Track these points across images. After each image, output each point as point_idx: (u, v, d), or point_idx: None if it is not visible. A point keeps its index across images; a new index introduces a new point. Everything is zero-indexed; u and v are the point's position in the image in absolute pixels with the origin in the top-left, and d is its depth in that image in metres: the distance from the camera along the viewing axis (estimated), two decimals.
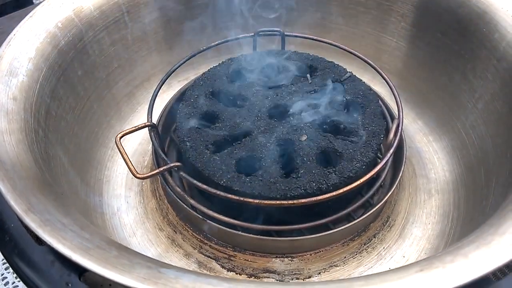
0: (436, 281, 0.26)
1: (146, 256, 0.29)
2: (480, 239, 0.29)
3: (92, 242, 0.29)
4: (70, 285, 0.30)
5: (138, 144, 0.58)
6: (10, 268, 0.65)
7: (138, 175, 0.40)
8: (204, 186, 0.41)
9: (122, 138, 0.43)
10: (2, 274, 0.71)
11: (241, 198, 0.40)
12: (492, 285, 0.30)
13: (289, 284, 0.31)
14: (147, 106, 0.59)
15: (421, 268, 0.27)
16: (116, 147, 0.56)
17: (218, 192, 0.41)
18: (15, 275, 0.70)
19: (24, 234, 0.33)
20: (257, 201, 0.40)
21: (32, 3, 1.89)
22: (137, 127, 0.45)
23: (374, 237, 0.49)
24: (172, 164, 0.42)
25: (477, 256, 0.27)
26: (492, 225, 0.30)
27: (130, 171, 0.41)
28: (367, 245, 0.48)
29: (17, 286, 0.70)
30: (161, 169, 0.41)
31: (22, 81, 0.41)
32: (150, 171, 0.42)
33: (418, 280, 0.26)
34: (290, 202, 0.40)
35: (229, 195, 0.40)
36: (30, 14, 0.46)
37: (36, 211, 0.30)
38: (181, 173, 0.43)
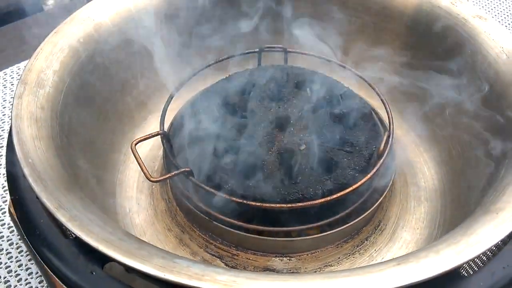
0: (410, 272, 0.30)
1: (161, 249, 0.34)
2: (451, 239, 0.33)
3: (115, 235, 0.34)
4: (94, 273, 0.35)
5: (149, 150, 0.63)
6: (23, 266, 0.70)
7: (151, 179, 0.45)
8: (212, 190, 0.46)
9: (133, 146, 0.48)
10: (15, 272, 0.75)
11: (245, 201, 0.45)
12: (464, 280, 0.34)
13: (284, 275, 0.36)
14: (157, 115, 0.64)
15: (398, 262, 0.32)
16: (129, 153, 0.62)
17: (224, 195, 0.46)
18: (27, 272, 0.74)
19: (52, 229, 0.38)
20: (259, 204, 0.45)
21: (42, 9, 1.95)
22: (151, 135, 0.49)
23: (366, 240, 0.53)
24: (182, 169, 0.47)
25: (447, 252, 0.32)
26: (463, 227, 0.35)
27: (145, 174, 0.46)
28: (360, 247, 0.53)
29: (30, 282, 0.74)
30: (173, 173, 0.46)
31: (49, 92, 0.46)
32: (161, 176, 0.47)
33: (395, 271, 0.30)
34: (289, 205, 0.45)
35: (234, 198, 0.45)
36: (55, 30, 0.51)
37: (66, 208, 0.35)
38: (190, 177, 0.48)
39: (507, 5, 1.15)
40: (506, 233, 0.33)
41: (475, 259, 0.36)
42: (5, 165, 0.43)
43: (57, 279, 0.35)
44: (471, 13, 0.54)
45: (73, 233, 0.36)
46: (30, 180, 0.36)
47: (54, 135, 0.44)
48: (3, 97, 1.02)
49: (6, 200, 0.80)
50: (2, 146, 0.90)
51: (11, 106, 0.99)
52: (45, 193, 0.35)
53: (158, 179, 0.46)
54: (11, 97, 1.01)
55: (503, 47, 0.50)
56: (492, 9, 1.15)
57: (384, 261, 0.32)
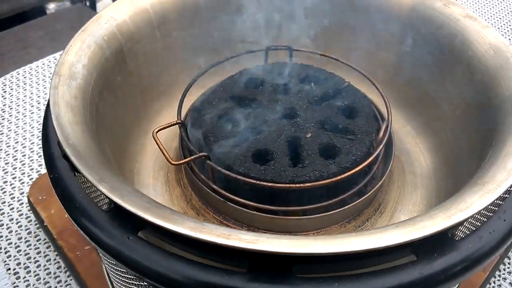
0: (407, 232, 0.36)
1: (190, 217, 0.39)
2: (443, 207, 0.39)
3: (151, 204, 0.39)
4: (130, 238, 0.40)
5: (163, 141, 0.68)
6: (41, 253, 0.74)
7: (173, 162, 0.51)
8: (227, 172, 0.51)
9: (155, 133, 0.54)
10: (34, 258, 0.79)
11: (257, 182, 0.51)
12: (456, 242, 0.40)
13: (299, 236, 0.40)
14: (170, 109, 0.70)
15: (397, 225, 0.37)
16: (145, 144, 0.67)
17: (239, 177, 0.51)
18: (46, 258, 0.79)
19: (90, 201, 0.43)
20: (270, 184, 0.51)
21: (45, 13, 2.00)
22: (170, 124, 0.55)
23: (367, 221, 0.59)
24: (201, 154, 0.52)
25: (439, 216, 0.37)
26: (453, 198, 0.41)
27: (166, 159, 0.51)
28: (361, 227, 0.58)
29: (48, 268, 0.78)
30: (193, 157, 0.52)
31: (79, 84, 0.51)
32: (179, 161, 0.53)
33: (394, 231, 0.36)
34: (297, 185, 0.51)
35: (247, 179, 0.51)
36: (82, 28, 0.57)
37: (106, 181, 0.40)
38: (207, 161, 0.53)
39: (498, 9, 1.23)
40: (490, 201, 0.38)
41: (466, 227, 0.41)
42: (42, 148, 0.48)
43: (97, 246, 0.41)
44: (461, 13, 0.60)
45: (112, 203, 0.41)
46: (73, 158, 0.41)
47: (87, 122, 0.49)
48: (15, 98, 1.07)
49: (23, 192, 0.85)
50: (18, 142, 0.95)
51: (19, 106, 1.04)
52: (87, 169, 0.40)
53: (179, 163, 0.51)
54: (24, 97, 1.06)
55: (491, 44, 0.56)
56: (485, 12, 1.23)
57: (385, 226, 0.38)
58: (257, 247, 0.35)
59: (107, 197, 0.39)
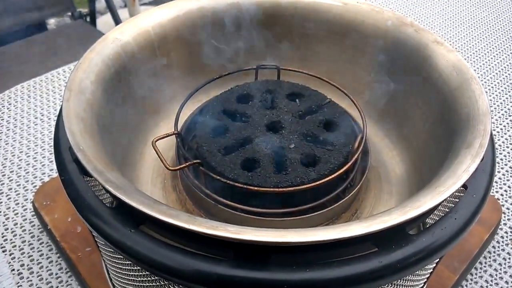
0: (369, 225, 0.43)
1: (185, 212, 0.47)
2: (400, 207, 0.46)
3: (150, 200, 0.46)
4: (131, 231, 0.47)
5: (161, 151, 0.76)
6: (44, 255, 0.81)
7: (170, 168, 0.58)
8: (218, 177, 0.59)
9: (154, 143, 0.61)
10: (37, 260, 0.86)
11: (245, 186, 0.58)
12: (411, 237, 0.47)
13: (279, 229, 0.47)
14: (167, 121, 0.77)
15: (360, 220, 0.45)
16: (144, 153, 0.75)
17: (229, 182, 0.58)
18: (48, 260, 0.86)
19: (98, 201, 0.50)
20: (256, 188, 0.58)
21: (46, 29, 2.09)
22: (167, 134, 0.63)
23: None
24: (195, 161, 0.60)
25: (396, 214, 0.45)
26: (410, 199, 0.48)
27: (164, 165, 0.58)
28: None
29: (50, 269, 0.85)
30: (188, 163, 0.59)
31: (88, 98, 0.59)
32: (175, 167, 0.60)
33: (357, 225, 0.43)
34: (280, 190, 0.58)
35: (236, 184, 0.58)
36: (90, 48, 0.64)
37: (112, 181, 0.47)
38: (201, 168, 0.60)
39: (458, 31, 1.43)
40: (439, 201, 0.46)
41: (421, 224, 0.49)
42: (54, 153, 0.55)
43: (103, 239, 0.48)
44: (430, 38, 0.68)
45: (116, 201, 0.49)
46: (83, 162, 0.49)
47: (94, 132, 0.56)
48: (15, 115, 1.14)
49: (27, 198, 0.92)
50: (22, 152, 1.03)
51: (21, 120, 1.12)
52: (96, 171, 0.48)
53: (175, 168, 0.59)
54: (28, 109, 1.14)
55: (454, 66, 0.64)
56: (446, 32, 1.43)
57: (350, 222, 0.45)
58: (240, 237, 0.42)
59: (112, 195, 0.47)
